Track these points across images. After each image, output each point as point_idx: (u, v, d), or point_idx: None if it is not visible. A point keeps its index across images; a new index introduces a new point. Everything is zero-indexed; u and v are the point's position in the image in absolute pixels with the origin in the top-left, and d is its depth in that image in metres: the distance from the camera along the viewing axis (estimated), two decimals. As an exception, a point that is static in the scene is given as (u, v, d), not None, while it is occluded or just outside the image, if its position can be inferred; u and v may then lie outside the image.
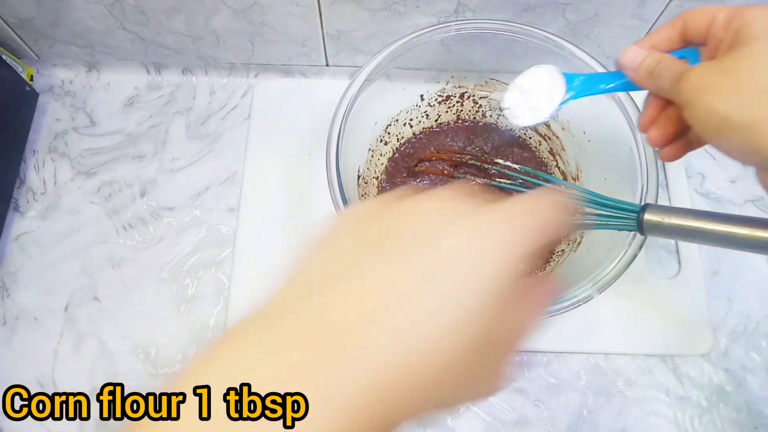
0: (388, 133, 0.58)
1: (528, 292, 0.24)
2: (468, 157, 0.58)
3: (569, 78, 0.43)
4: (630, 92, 0.41)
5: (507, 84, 0.57)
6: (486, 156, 0.59)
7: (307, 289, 0.22)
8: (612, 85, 0.42)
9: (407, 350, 0.20)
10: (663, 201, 0.59)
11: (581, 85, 0.43)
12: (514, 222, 0.22)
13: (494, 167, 0.57)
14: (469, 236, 0.21)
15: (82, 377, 0.53)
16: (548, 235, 0.23)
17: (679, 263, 0.57)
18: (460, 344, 0.20)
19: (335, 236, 0.24)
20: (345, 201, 0.44)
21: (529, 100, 0.43)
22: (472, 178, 0.57)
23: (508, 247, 0.21)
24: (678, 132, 0.38)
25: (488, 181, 0.57)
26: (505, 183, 0.55)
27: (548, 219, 0.23)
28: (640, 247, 0.44)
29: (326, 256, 0.23)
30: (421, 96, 0.58)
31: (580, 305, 0.42)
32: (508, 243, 0.21)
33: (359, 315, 0.20)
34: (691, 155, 0.62)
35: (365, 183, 0.55)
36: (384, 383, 0.19)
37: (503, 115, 0.45)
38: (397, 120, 0.58)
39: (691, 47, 0.38)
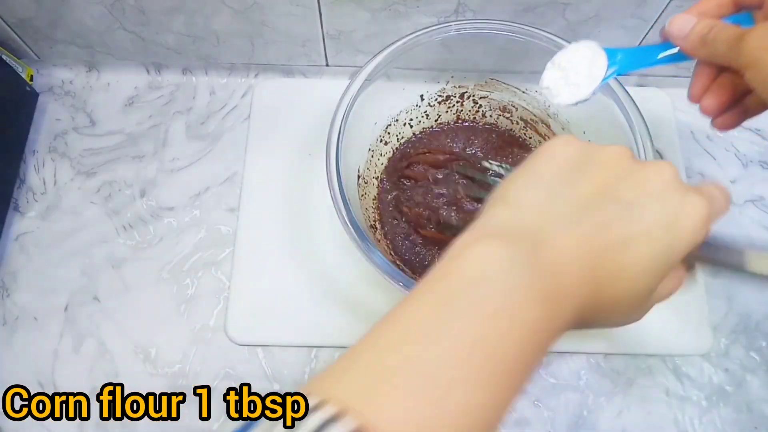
0: (388, 133, 0.58)
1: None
2: (456, 161, 0.58)
3: (611, 53, 0.41)
4: (678, 63, 0.38)
5: (507, 84, 0.57)
6: (474, 159, 0.58)
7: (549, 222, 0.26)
8: (659, 56, 0.39)
9: (634, 263, 0.25)
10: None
11: (625, 59, 0.41)
12: (711, 206, 0.27)
13: (481, 171, 0.56)
14: (693, 205, 0.26)
15: (82, 377, 0.53)
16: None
17: (679, 263, 0.57)
18: (656, 278, 0.26)
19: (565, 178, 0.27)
20: (345, 201, 0.44)
21: (569, 77, 0.42)
22: (460, 177, 0.57)
23: (705, 220, 0.26)
24: (733, 99, 0.37)
25: (477, 175, 0.56)
26: (493, 179, 0.55)
27: (722, 211, 0.28)
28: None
29: (567, 198, 0.27)
30: (421, 96, 0.58)
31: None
32: (706, 218, 0.26)
33: (610, 241, 0.25)
34: (691, 155, 0.62)
35: (365, 183, 0.55)
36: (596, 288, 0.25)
37: (542, 94, 0.43)
38: (397, 120, 0.58)
39: (744, 11, 0.36)
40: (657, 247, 0.25)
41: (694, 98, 0.38)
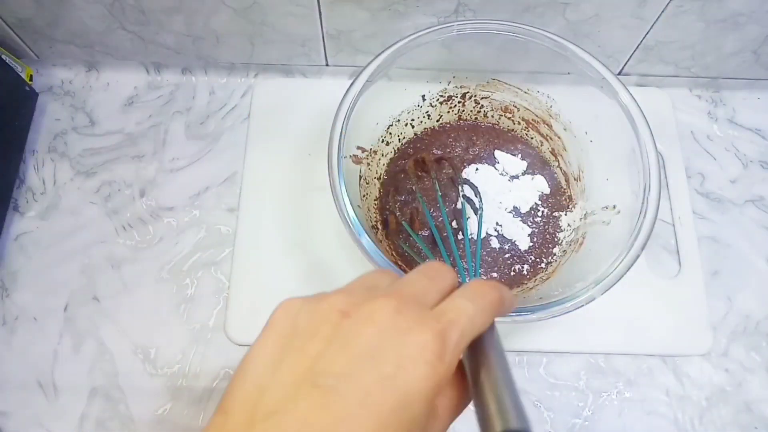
0: (390, 134, 0.58)
1: None
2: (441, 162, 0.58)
3: None
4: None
5: (509, 84, 0.57)
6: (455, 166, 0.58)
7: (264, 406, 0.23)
8: None
9: None
10: (664, 201, 0.59)
11: None
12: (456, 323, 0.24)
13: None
14: (414, 346, 0.23)
15: (81, 378, 0.52)
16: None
17: (680, 263, 0.57)
18: None
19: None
20: (347, 202, 0.44)
21: None
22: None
23: (435, 355, 0.23)
24: None
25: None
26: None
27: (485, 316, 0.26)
28: (642, 248, 0.44)
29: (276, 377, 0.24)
30: (423, 96, 0.58)
31: (583, 306, 0.42)
32: (437, 351, 0.23)
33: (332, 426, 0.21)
34: (691, 155, 0.62)
35: (367, 183, 0.55)
36: None
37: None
38: (398, 120, 0.58)
39: None
40: (384, 411, 0.22)
41: None
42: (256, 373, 0.24)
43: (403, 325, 0.23)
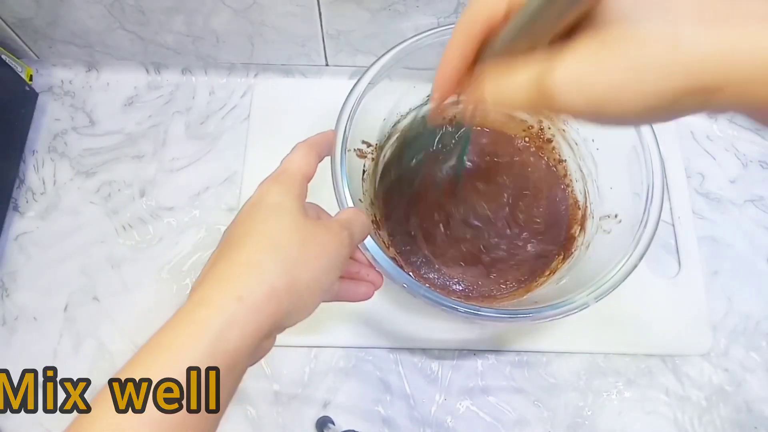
0: (396, 130, 0.57)
1: None
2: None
3: None
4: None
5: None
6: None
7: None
8: None
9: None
10: (663, 201, 0.59)
11: None
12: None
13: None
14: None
15: (81, 377, 0.52)
16: None
17: (679, 263, 0.57)
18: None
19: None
20: (350, 200, 0.44)
21: None
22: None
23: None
24: None
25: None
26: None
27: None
28: (641, 258, 0.43)
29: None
30: (428, 96, 0.57)
31: (576, 312, 0.42)
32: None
33: None
34: (691, 155, 0.62)
35: (370, 178, 0.55)
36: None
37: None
38: (404, 116, 0.57)
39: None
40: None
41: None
42: None
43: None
